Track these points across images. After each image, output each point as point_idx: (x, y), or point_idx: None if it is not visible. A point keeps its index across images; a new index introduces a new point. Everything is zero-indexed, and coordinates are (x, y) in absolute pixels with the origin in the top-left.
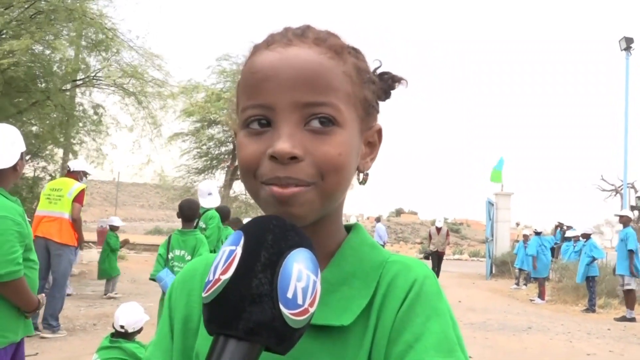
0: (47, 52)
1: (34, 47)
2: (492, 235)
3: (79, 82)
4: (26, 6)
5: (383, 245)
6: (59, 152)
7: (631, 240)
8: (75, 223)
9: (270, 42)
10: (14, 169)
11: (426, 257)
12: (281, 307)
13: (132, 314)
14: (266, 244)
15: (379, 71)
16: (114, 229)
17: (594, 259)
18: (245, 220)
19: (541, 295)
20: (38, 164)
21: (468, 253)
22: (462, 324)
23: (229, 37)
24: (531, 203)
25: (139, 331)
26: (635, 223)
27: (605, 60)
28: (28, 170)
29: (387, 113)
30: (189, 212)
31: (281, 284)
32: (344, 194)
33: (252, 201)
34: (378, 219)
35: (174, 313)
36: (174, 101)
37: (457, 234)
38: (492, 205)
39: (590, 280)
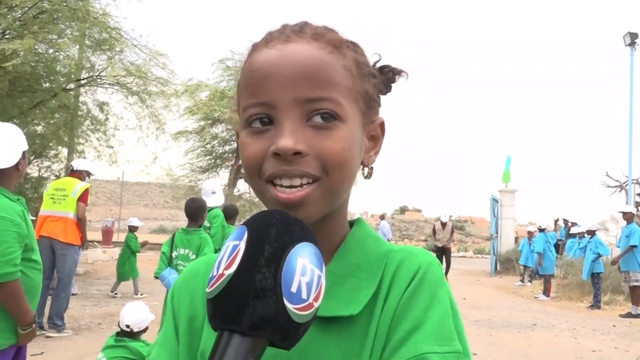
0: (51, 51)
1: (37, 47)
2: (497, 232)
3: (83, 82)
4: (29, 6)
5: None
6: (64, 151)
7: (635, 236)
8: (80, 222)
9: (269, 39)
10: (16, 168)
11: (436, 253)
12: (285, 301)
13: (138, 313)
14: (270, 239)
15: (378, 65)
16: (132, 229)
17: (599, 255)
18: None
19: (546, 292)
20: (42, 163)
21: (472, 250)
22: (466, 321)
23: (233, 35)
24: (536, 199)
25: (144, 330)
26: (639, 219)
27: (610, 55)
28: (33, 170)
29: (392, 111)
30: (192, 211)
31: (285, 279)
32: (349, 190)
33: (256, 199)
34: (382, 217)
35: (178, 314)
36: (177, 99)
37: (462, 231)
38: (497, 202)
39: (595, 276)
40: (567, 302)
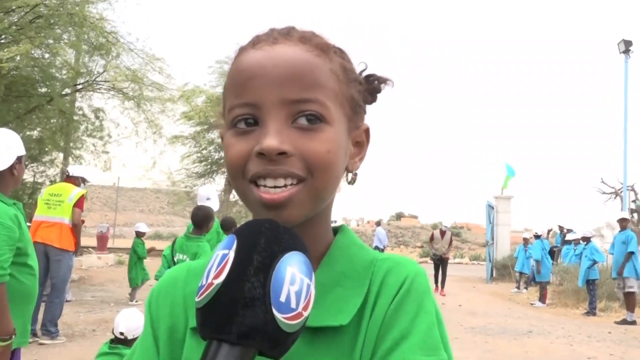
0: (47, 56)
1: (33, 52)
2: (493, 239)
3: (79, 87)
4: (26, 11)
5: (383, 249)
6: (59, 156)
7: (634, 243)
8: (76, 228)
9: (256, 41)
10: (11, 173)
11: (434, 261)
12: (274, 311)
13: (132, 320)
14: (259, 248)
15: (364, 74)
16: (139, 235)
17: (594, 262)
18: None
19: (542, 298)
20: (38, 168)
21: (468, 257)
22: (462, 328)
23: (230, 39)
24: (531, 206)
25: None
26: (635, 226)
27: (605, 62)
28: (28, 176)
29: (389, 119)
30: (197, 219)
31: (274, 288)
32: (333, 193)
33: None
34: (378, 223)
35: (157, 323)
36: (173, 105)
37: (458, 238)
38: (493, 208)
39: (590, 283)
40: (562, 308)
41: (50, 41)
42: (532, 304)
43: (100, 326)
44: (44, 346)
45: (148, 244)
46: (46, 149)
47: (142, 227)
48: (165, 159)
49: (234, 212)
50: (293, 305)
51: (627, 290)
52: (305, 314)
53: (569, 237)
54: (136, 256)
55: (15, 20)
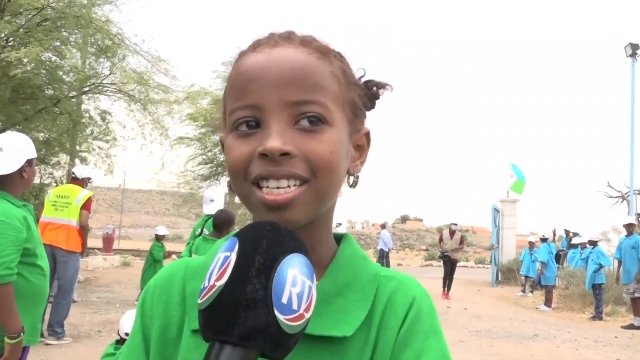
0: (54, 58)
1: (41, 55)
2: (498, 242)
3: (85, 89)
4: (34, 13)
5: (388, 252)
6: (65, 158)
7: None
8: (83, 230)
9: (257, 45)
10: (21, 176)
11: (442, 260)
12: (276, 312)
13: None
14: (260, 250)
15: (363, 79)
16: (158, 238)
17: (600, 266)
18: None
19: (548, 302)
20: (45, 170)
21: (474, 260)
22: (467, 332)
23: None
24: (536, 210)
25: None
26: None
27: (612, 65)
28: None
29: (393, 120)
30: (218, 221)
31: (276, 290)
32: (335, 195)
33: None
34: (383, 226)
35: (150, 322)
36: (179, 106)
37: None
38: (498, 211)
39: (597, 287)
40: (568, 312)
41: (57, 43)
42: (537, 308)
43: (105, 327)
44: (50, 347)
45: (150, 245)
46: (53, 151)
47: (161, 230)
48: (172, 160)
49: (239, 215)
50: (295, 306)
51: (636, 295)
52: (307, 315)
53: (575, 241)
54: (152, 259)
55: (23, 23)
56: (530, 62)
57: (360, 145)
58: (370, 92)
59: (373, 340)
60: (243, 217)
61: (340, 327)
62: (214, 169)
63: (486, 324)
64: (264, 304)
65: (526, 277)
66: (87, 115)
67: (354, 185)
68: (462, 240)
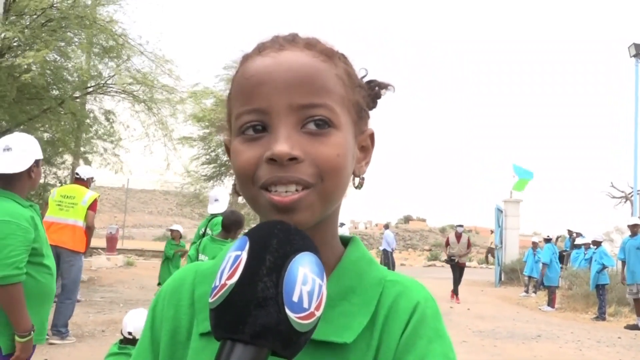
0: (59, 58)
1: (46, 56)
2: (501, 243)
3: (90, 89)
4: (38, 14)
5: (392, 252)
6: (70, 158)
7: None
8: (90, 230)
9: (262, 48)
10: (29, 176)
11: (451, 264)
12: (287, 310)
13: (140, 320)
14: (271, 248)
15: (365, 79)
16: (173, 236)
17: (604, 266)
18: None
19: (551, 303)
20: (49, 170)
21: (477, 260)
22: (470, 332)
23: (236, 40)
24: (539, 210)
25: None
26: None
27: (615, 65)
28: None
29: (394, 120)
30: (226, 222)
31: (286, 288)
32: (342, 197)
33: None
34: (386, 226)
35: (160, 324)
36: (183, 106)
37: None
38: (501, 212)
39: (600, 288)
40: (571, 313)
41: (62, 44)
42: (540, 308)
43: (109, 327)
44: (54, 346)
45: (155, 245)
46: (57, 151)
47: (174, 227)
48: (178, 158)
49: (243, 215)
50: (305, 305)
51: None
52: (318, 313)
53: (578, 241)
54: (165, 256)
55: (28, 23)
56: (532, 61)
57: (365, 146)
58: (372, 92)
59: (375, 345)
60: (247, 218)
61: (343, 333)
62: (218, 169)
63: (489, 324)
64: (275, 302)
65: (529, 277)
66: (91, 115)
67: (359, 186)
68: (469, 244)
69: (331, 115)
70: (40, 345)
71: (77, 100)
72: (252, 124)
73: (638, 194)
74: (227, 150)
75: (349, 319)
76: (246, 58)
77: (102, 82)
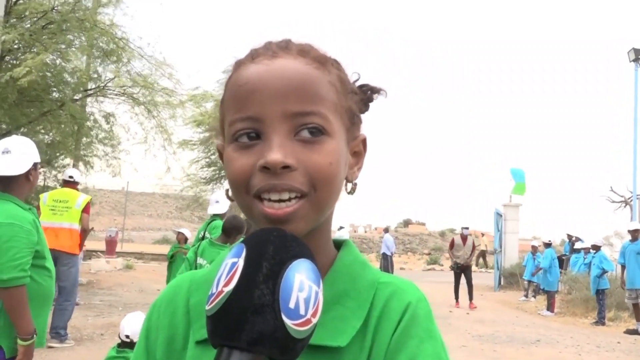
0: (59, 61)
1: (45, 58)
2: (501, 247)
3: (90, 92)
4: (39, 17)
5: (391, 256)
6: (70, 161)
7: None
8: (85, 233)
9: (255, 55)
10: (27, 179)
11: (455, 271)
12: (283, 317)
13: (138, 323)
14: (267, 255)
15: (357, 84)
16: (179, 238)
17: (604, 271)
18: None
19: (550, 307)
20: (50, 172)
21: (476, 264)
22: (470, 336)
23: (239, 41)
24: (540, 214)
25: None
26: None
27: (615, 69)
28: (39, 180)
29: (395, 125)
30: (227, 226)
31: (283, 295)
32: (334, 204)
33: None
34: (386, 230)
35: (156, 334)
36: (183, 110)
37: None
38: (501, 216)
39: (600, 292)
40: (571, 317)
41: (62, 46)
42: (540, 313)
43: (108, 330)
44: (53, 349)
45: (157, 249)
46: (57, 154)
47: (181, 229)
48: (177, 160)
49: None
50: (302, 311)
51: (639, 300)
52: (314, 320)
53: (577, 245)
54: (169, 259)
55: (28, 26)
56: (532, 64)
57: (357, 151)
58: (365, 97)
59: (368, 346)
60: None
61: (337, 337)
62: (217, 172)
63: (489, 328)
64: (272, 309)
65: (529, 281)
66: (91, 118)
67: (352, 192)
68: (474, 247)
69: (324, 123)
70: (39, 348)
71: (78, 102)
72: (245, 131)
73: (637, 198)
74: (220, 155)
75: (343, 322)
76: (239, 65)
77: (102, 84)
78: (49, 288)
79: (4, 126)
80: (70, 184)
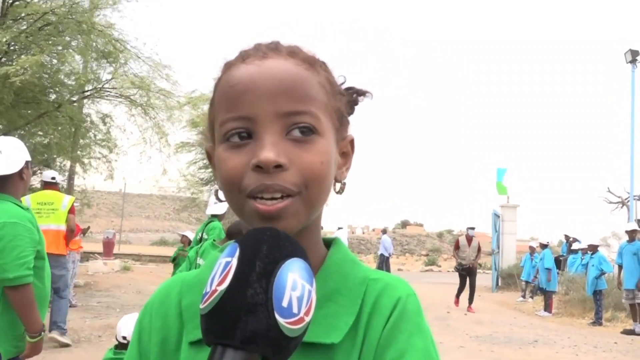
0: (54, 62)
1: (42, 59)
2: (498, 248)
3: (87, 93)
4: (35, 18)
5: (389, 257)
6: (67, 162)
7: None
8: (72, 234)
9: (245, 56)
10: (21, 177)
11: (460, 272)
12: (276, 316)
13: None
14: (261, 254)
15: (343, 87)
16: (183, 241)
17: (602, 272)
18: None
19: (548, 308)
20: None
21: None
22: (467, 337)
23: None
24: (537, 215)
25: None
26: None
27: (613, 70)
28: (35, 181)
29: (392, 124)
30: (232, 229)
31: (276, 293)
32: (325, 203)
33: None
34: (384, 231)
35: (148, 337)
36: (180, 112)
37: None
38: (498, 217)
39: (597, 293)
40: (568, 318)
41: (59, 48)
42: (537, 314)
43: (106, 332)
44: (50, 351)
45: (155, 250)
46: (54, 156)
47: (185, 232)
48: (175, 161)
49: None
50: (295, 310)
51: (637, 301)
52: (307, 319)
53: (575, 246)
54: (173, 261)
55: (25, 27)
56: (531, 64)
57: (346, 152)
58: (351, 99)
59: (360, 342)
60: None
61: (330, 334)
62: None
63: (486, 329)
64: (265, 308)
65: (527, 282)
66: (88, 119)
67: (341, 191)
68: (479, 248)
69: (315, 122)
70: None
71: (75, 104)
72: (237, 131)
73: (635, 199)
74: (209, 157)
75: (336, 319)
76: (229, 66)
77: (100, 85)
78: (47, 289)
79: (0, 127)
80: (51, 185)
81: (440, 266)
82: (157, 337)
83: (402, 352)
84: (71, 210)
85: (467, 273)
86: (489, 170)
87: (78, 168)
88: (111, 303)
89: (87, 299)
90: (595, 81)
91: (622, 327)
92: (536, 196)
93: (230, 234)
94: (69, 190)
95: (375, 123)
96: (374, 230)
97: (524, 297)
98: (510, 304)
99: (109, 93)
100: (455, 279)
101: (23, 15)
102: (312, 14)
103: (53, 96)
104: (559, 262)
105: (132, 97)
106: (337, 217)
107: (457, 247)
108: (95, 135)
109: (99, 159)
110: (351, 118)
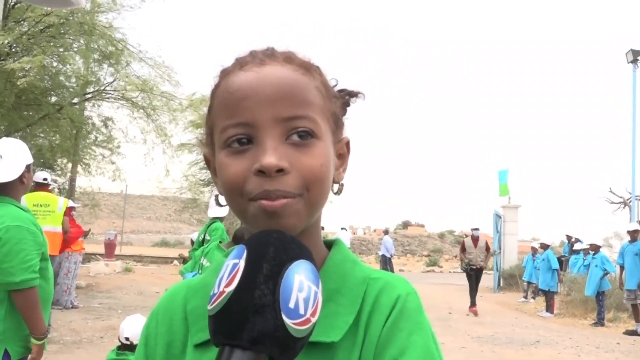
0: (56, 64)
1: (43, 61)
2: (500, 248)
3: (88, 96)
4: (37, 20)
5: (390, 258)
6: (69, 164)
7: None
8: (66, 235)
9: (243, 63)
10: (21, 182)
11: (468, 273)
12: (283, 317)
13: (137, 325)
14: (268, 257)
15: (336, 89)
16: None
17: (606, 272)
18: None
19: (550, 308)
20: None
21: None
22: (469, 337)
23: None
24: (539, 215)
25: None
26: None
27: (614, 70)
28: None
29: (393, 124)
30: (238, 234)
31: (283, 295)
32: (324, 204)
33: None
34: (386, 232)
35: (155, 342)
36: (182, 114)
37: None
38: (500, 217)
39: (600, 294)
40: (570, 319)
41: (61, 49)
42: (539, 314)
43: (107, 333)
44: (52, 352)
45: (156, 251)
46: (56, 158)
47: (194, 235)
48: (177, 162)
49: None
50: (302, 311)
51: (638, 301)
52: (313, 319)
53: (576, 247)
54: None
55: (26, 29)
56: (531, 64)
57: (342, 154)
58: (344, 101)
59: (360, 341)
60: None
61: (330, 332)
62: None
63: (488, 330)
64: (272, 309)
65: (528, 283)
66: (89, 121)
67: (338, 192)
68: (487, 247)
69: (313, 126)
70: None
71: (76, 106)
72: (237, 137)
73: (636, 199)
74: (207, 163)
75: (336, 318)
76: (227, 73)
77: (101, 88)
78: (50, 290)
79: (2, 128)
80: (44, 186)
81: (441, 267)
82: (162, 341)
83: (402, 350)
84: (66, 212)
85: (475, 273)
86: (490, 170)
87: (79, 169)
88: (113, 304)
89: (88, 300)
90: (596, 81)
91: (624, 328)
92: (537, 196)
93: (237, 238)
94: (71, 191)
95: (376, 123)
96: (375, 230)
97: (525, 297)
98: (512, 305)
99: (110, 95)
100: (456, 279)
101: (25, 17)
102: (312, 14)
103: (54, 98)
104: (560, 263)
105: (133, 99)
106: (338, 217)
107: (463, 249)
108: (97, 138)
109: (101, 160)
110: (351, 118)
